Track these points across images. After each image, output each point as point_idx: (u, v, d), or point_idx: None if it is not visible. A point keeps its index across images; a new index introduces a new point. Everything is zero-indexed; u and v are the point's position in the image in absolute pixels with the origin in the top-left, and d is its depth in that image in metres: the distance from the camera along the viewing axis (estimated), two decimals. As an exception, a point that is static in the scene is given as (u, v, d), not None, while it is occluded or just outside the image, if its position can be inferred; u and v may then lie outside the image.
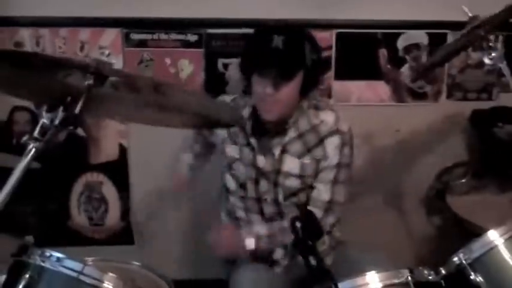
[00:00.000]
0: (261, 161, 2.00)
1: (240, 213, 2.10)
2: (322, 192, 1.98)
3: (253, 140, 2.01)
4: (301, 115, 1.98)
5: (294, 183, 1.99)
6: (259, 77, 1.86)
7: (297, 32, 1.90)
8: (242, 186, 2.04)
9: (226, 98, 2.17)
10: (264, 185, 2.01)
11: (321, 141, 1.98)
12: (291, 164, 1.98)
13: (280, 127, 1.98)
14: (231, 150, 2.05)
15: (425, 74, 2.55)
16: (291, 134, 1.98)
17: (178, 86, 1.94)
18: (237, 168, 2.03)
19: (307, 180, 1.99)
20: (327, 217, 1.97)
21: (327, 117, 2.00)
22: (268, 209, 2.03)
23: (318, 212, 1.92)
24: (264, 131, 2.00)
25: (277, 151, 1.98)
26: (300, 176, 1.98)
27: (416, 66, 2.62)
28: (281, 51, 1.82)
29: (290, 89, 1.86)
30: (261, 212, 2.05)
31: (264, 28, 1.94)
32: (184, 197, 2.57)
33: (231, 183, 2.07)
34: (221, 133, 2.07)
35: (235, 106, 2.05)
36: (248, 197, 2.04)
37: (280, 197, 2.02)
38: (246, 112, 2.02)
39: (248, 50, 1.96)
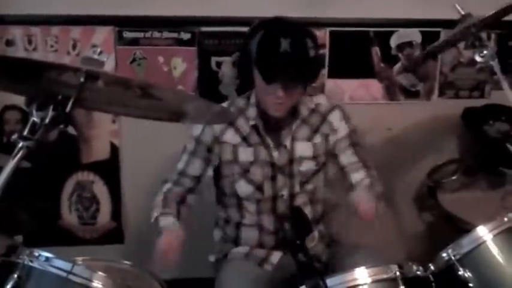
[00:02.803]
0: (276, 156, 2.01)
1: (248, 219, 2.07)
2: (349, 157, 2.06)
3: (267, 138, 2.02)
4: (299, 103, 2.04)
5: (308, 166, 2.04)
6: (269, 83, 1.86)
7: (300, 31, 1.91)
8: (259, 188, 2.02)
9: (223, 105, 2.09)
10: (280, 179, 2.02)
11: (324, 118, 2.07)
12: (302, 149, 2.03)
13: (289, 119, 2.02)
14: (246, 155, 2.01)
15: (418, 64, 2.55)
16: (297, 122, 2.03)
17: (166, 87, 1.92)
18: (254, 171, 2.01)
19: (320, 159, 2.06)
20: (371, 170, 2.07)
21: (320, 100, 2.11)
22: (282, 206, 2.03)
23: (362, 173, 2.02)
24: (276, 126, 2.03)
25: (288, 141, 2.02)
26: (314, 157, 2.04)
27: (409, 58, 2.63)
28: (290, 57, 1.83)
29: (298, 90, 1.93)
30: (274, 211, 2.04)
31: (270, 30, 1.89)
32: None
33: (246, 189, 2.03)
34: (232, 140, 2.02)
35: (235, 110, 2.04)
36: (264, 198, 2.03)
37: (297, 187, 2.03)
38: (252, 112, 2.02)
39: (256, 56, 1.88)
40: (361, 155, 2.08)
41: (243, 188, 2.03)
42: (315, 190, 2.08)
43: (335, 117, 2.07)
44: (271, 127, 2.02)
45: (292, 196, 2.03)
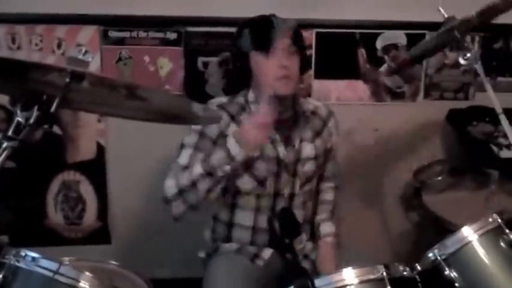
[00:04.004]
0: (282, 153, 2.02)
1: (241, 218, 2.06)
2: (333, 168, 2.22)
3: (273, 134, 2.01)
4: (298, 104, 2.08)
5: (310, 167, 2.07)
6: (272, 53, 1.91)
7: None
8: (261, 183, 2.01)
9: (220, 100, 2.08)
10: (284, 177, 2.02)
11: (324, 123, 2.14)
12: (307, 150, 2.06)
13: (292, 116, 2.04)
14: None
15: (403, 68, 2.58)
16: (302, 122, 2.07)
17: (154, 88, 1.92)
18: (258, 166, 1.99)
19: (320, 160, 2.11)
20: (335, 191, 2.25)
21: (316, 103, 2.18)
22: (281, 205, 2.02)
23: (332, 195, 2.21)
24: (280, 122, 2.01)
25: (297, 141, 2.04)
26: (315, 158, 2.08)
27: (394, 61, 2.64)
28: (286, 25, 1.94)
29: (297, 63, 1.97)
30: (273, 209, 2.04)
31: (260, 18, 2.00)
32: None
33: (248, 183, 2.01)
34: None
35: (236, 105, 2.03)
36: (265, 194, 2.02)
37: (297, 187, 2.05)
38: (255, 108, 2.00)
39: (252, 38, 1.96)
40: (336, 171, 2.24)
41: (245, 183, 2.01)
42: (310, 192, 2.11)
43: (332, 124, 2.16)
44: (275, 123, 1.99)
45: (291, 196, 2.05)
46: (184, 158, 1.97)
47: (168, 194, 1.93)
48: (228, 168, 1.84)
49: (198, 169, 1.88)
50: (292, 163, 2.03)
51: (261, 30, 1.95)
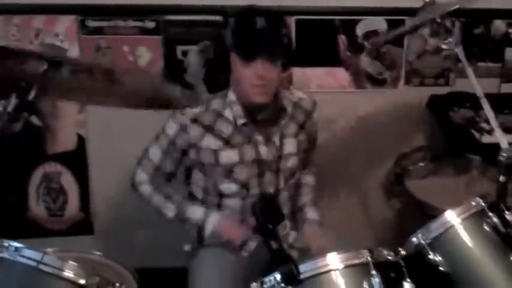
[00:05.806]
0: (264, 152, 1.98)
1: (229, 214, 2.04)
2: (312, 159, 2.22)
3: (256, 134, 1.98)
4: (280, 99, 2.02)
5: (293, 162, 2.04)
6: (250, 63, 1.84)
7: (274, 13, 1.92)
8: (244, 186, 1.99)
9: (195, 111, 1.97)
10: (268, 176, 2.00)
11: (308, 115, 2.10)
12: (289, 145, 2.03)
13: (275, 115, 2.00)
14: (230, 156, 1.96)
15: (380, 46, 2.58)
16: (284, 117, 2.02)
17: (132, 71, 1.89)
18: (238, 170, 1.97)
19: (301, 155, 2.07)
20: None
21: (300, 94, 2.11)
22: None
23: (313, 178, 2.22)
24: (263, 122, 1.99)
25: (277, 138, 2.00)
26: (297, 153, 2.05)
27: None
28: (269, 34, 1.86)
29: (278, 69, 1.89)
30: None
31: (244, 13, 1.91)
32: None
33: (231, 188, 1.99)
34: (212, 145, 1.96)
35: (211, 114, 1.97)
36: (249, 196, 2.00)
37: (281, 183, 2.02)
38: (236, 110, 1.96)
39: (233, 37, 1.87)
40: (313, 158, 2.23)
41: (228, 188, 2.00)
42: (295, 185, 2.10)
43: (316, 115, 2.12)
44: (258, 124, 1.98)
45: (277, 192, 2.02)
46: (156, 156, 2.03)
47: (140, 189, 2.08)
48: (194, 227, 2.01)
49: (170, 213, 2.03)
50: (274, 160, 2.00)
51: (243, 34, 1.87)
